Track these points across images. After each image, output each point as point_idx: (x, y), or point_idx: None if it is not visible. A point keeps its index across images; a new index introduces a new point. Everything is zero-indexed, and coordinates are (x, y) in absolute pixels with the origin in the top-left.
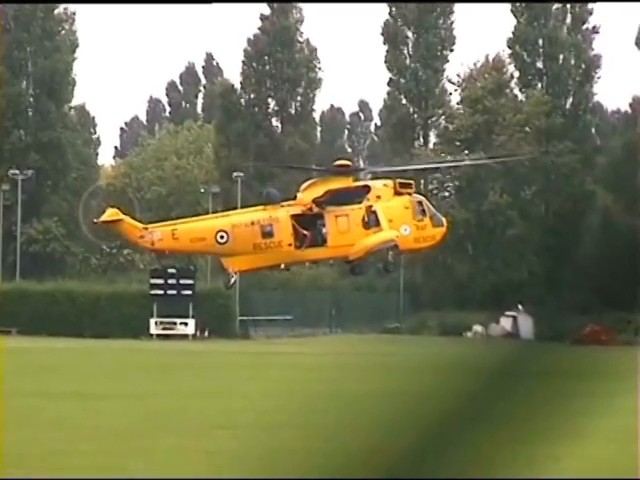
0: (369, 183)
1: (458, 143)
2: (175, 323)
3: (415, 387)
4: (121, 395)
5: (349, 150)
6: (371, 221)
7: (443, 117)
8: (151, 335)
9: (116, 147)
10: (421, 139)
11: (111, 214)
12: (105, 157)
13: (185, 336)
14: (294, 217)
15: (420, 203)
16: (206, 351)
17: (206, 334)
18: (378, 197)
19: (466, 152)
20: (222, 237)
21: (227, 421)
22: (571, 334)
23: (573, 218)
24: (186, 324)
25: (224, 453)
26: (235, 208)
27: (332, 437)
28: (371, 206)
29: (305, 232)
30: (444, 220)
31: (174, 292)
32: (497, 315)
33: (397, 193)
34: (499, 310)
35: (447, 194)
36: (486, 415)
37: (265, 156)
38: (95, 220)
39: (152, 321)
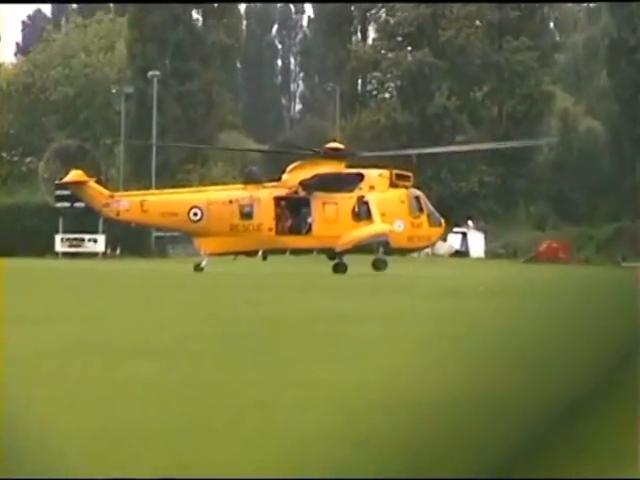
0: (363, 171)
1: (400, 39)
2: (83, 240)
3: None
4: (24, 319)
5: (279, 47)
6: (362, 212)
7: (383, 9)
8: (57, 253)
9: (18, 43)
10: (359, 34)
11: (75, 176)
12: (6, 54)
13: (94, 254)
14: (277, 199)
15: (417, 198)
16: (117, 271)
17: (118, 252)
18: (372, 187)
19: (409, 48)
20: (196, 214)
21: (142, 346)
22: (526, 251)
23: (529, 122)
24: (95, 241)
25: (139, 381)
26: (151, 110)
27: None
28: (363, 196)
29: (288, 217)
30: (442, 220)
31: (82, 205)
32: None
33: (393, 185)
34: (446, 226)
35: (388, 95)
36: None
37: (185, 53)
38: (57, 181)
39: (58, 237)
